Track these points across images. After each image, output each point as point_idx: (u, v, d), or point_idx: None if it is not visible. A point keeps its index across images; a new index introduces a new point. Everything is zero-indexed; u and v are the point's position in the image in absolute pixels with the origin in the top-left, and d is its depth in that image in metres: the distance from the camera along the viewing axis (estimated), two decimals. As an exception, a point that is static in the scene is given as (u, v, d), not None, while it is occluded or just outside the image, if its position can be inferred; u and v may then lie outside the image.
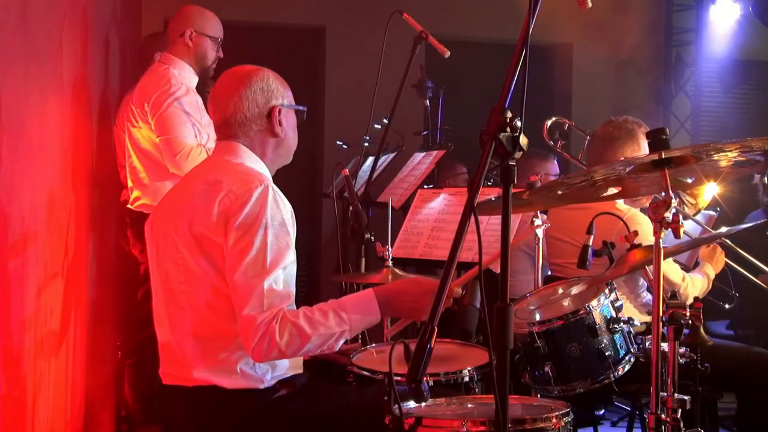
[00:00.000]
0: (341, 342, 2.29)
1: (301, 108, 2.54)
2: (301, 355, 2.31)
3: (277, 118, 2.44)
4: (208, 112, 2.60)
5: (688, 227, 3.47)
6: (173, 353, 2.37)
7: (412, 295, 2.30)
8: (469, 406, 2.31)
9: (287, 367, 2.38)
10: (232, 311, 2.27)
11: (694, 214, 3.58)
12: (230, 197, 2.26)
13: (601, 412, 4.37)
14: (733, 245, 3.39)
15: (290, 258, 2.29)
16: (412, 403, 2.18)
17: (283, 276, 2.25)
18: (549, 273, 3.66)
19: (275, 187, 2.32)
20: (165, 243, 2.37)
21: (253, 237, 2.22)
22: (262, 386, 2.32)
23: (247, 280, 2.21)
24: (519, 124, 1.66)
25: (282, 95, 2.47)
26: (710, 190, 3.54)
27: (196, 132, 3.62)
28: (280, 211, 2.28)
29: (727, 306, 3.85)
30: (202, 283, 2.30)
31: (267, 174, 2.44)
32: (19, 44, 2.31)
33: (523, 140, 1.66)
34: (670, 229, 2.11)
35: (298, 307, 2.27)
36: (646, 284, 3.33)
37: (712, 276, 3.48)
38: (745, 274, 3.40)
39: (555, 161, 4.66)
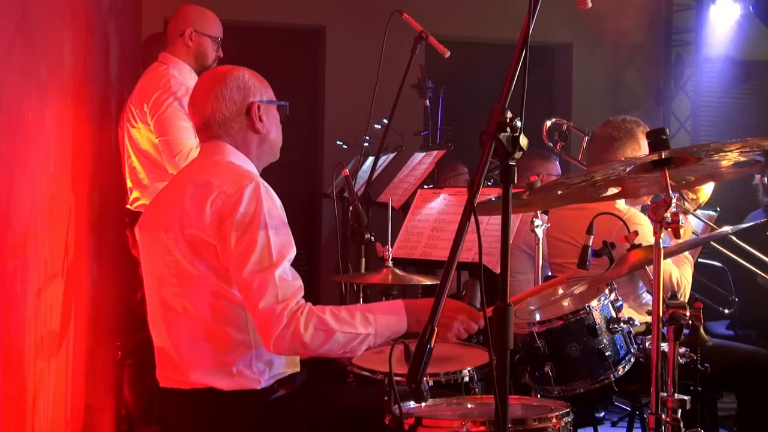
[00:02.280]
0: (364, 347, 2.27)
1: (282, 103, 2.53)
2: (324, 354, 2.28)
3: (256, 114, 2.43)
4: None
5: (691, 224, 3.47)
6: (169, 356, 2.36)
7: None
8: (469, 406, 2.31)
9: (285, 365, 2.37)
10: (228, 313, 2.27)
11: (695, 210, 3.58)
12: (222, 198, 2.25)
13: (602, 414, 4.38)
14: (738, 241, 3.39)
15: (293, 251, 2.28)
16: (412, 403, 2.18)
17: (290, 269, 2.25)
18: (549, 273, 3.66)
19: (265, 182, 2.32)
20: (156, 246, 2.36)
21: (255, 234, 2.21)
22: (259, 386, 2.31)
23: (257, 274, 2.20)
24: (519, 124, 1.66)
25: (260, 91, 2.46)
26: (710, 185, 3.54)
27: (196, 133, 3.62)
28: (276, 207, 2.28)
29: (726, 311, 3.84)
30: (198, 286, 2.29)
31: (255, 171, 2.44)
32: (19, 44, 2.31)
33: (523, 140, 1.66)
34: (669, 229, 2.11)
35: None
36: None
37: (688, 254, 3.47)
38: (751, 268, 3.39)
39: (557, 162, 4.65)
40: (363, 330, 2.24)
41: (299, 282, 2.26)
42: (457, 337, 2.32)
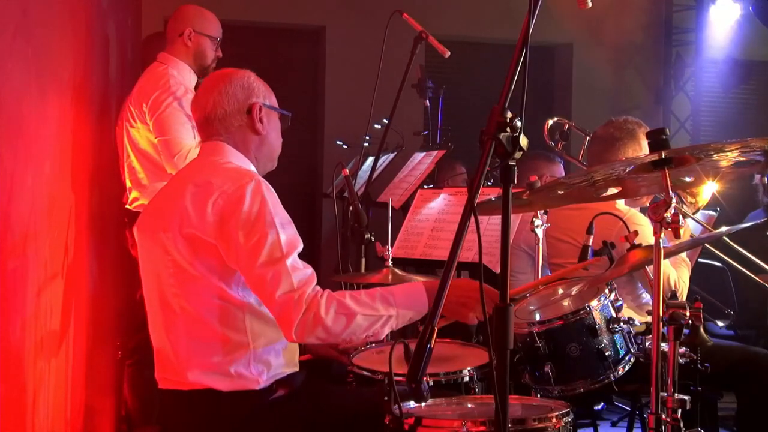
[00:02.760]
0: (387, 329, 2.25)
1: (284, 113, 2.53)
2: (347, 338, 2.26)
3: (257, 115, 2.43)
4: None
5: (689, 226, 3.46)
6: (168, 357, 2.36)
7: (461, 290, 2.25)
8: (469, 406, 2.31)
9: (284, 365, 2.37)
10: (226, 314, 2.27)
11: (694, 213, 3.58)
12: (223, 198, 2.25)
13: (600, 405, 4.37)
14: (734, 244, 3.39)
15: (301, 245, 2.28)
16: (412, 403, 2.18)
17: (299, 260, 2.25)
18: (548, 273, 3.66)
19: (265, 181, 2.32)
20: (154, 246, 2.36)
21: (263, 230, 2.21)
22: (258, 387, 2.30)
23: (269, 267, 2.19)
24: (519, 124, 1.66)
25: (263, 95, 2.47)
26: (709, 188, 3.54)
27: (195, 133, 3.62)
28: (279, 203, 2.29)
29: (720, 324, 3.84)
30: (196, 286, 2.29)
31: (255, 170, 2.44)
32: (19, 44, 2.31)
33: (523, 140, 1.66)
34: (669, 230, 2.11)
35: None
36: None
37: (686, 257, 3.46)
38: (747, 273, 3.40)
39: (561, 164, 4.65)
40: (384, 312, 2.23)
41: (311, 269, 2.25)
42: (478, 318, 2.29)
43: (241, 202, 2.23)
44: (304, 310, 2.17)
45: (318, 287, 2.22)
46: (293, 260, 2.22)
